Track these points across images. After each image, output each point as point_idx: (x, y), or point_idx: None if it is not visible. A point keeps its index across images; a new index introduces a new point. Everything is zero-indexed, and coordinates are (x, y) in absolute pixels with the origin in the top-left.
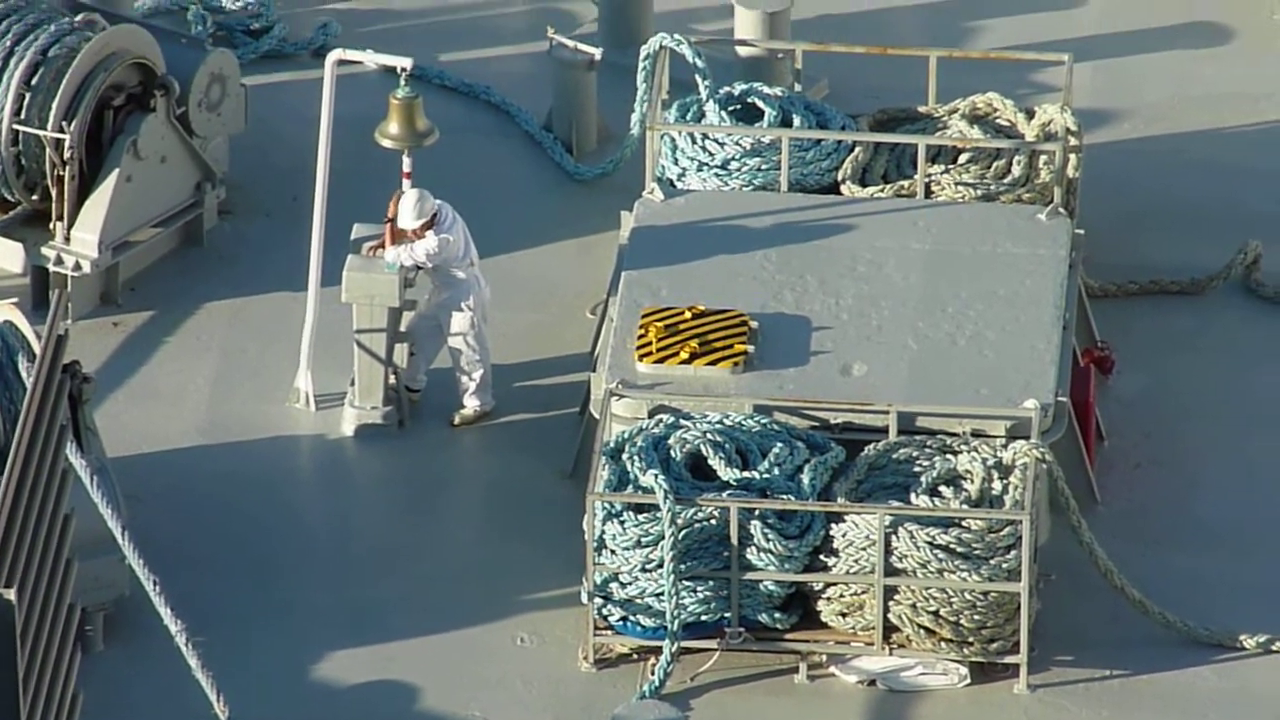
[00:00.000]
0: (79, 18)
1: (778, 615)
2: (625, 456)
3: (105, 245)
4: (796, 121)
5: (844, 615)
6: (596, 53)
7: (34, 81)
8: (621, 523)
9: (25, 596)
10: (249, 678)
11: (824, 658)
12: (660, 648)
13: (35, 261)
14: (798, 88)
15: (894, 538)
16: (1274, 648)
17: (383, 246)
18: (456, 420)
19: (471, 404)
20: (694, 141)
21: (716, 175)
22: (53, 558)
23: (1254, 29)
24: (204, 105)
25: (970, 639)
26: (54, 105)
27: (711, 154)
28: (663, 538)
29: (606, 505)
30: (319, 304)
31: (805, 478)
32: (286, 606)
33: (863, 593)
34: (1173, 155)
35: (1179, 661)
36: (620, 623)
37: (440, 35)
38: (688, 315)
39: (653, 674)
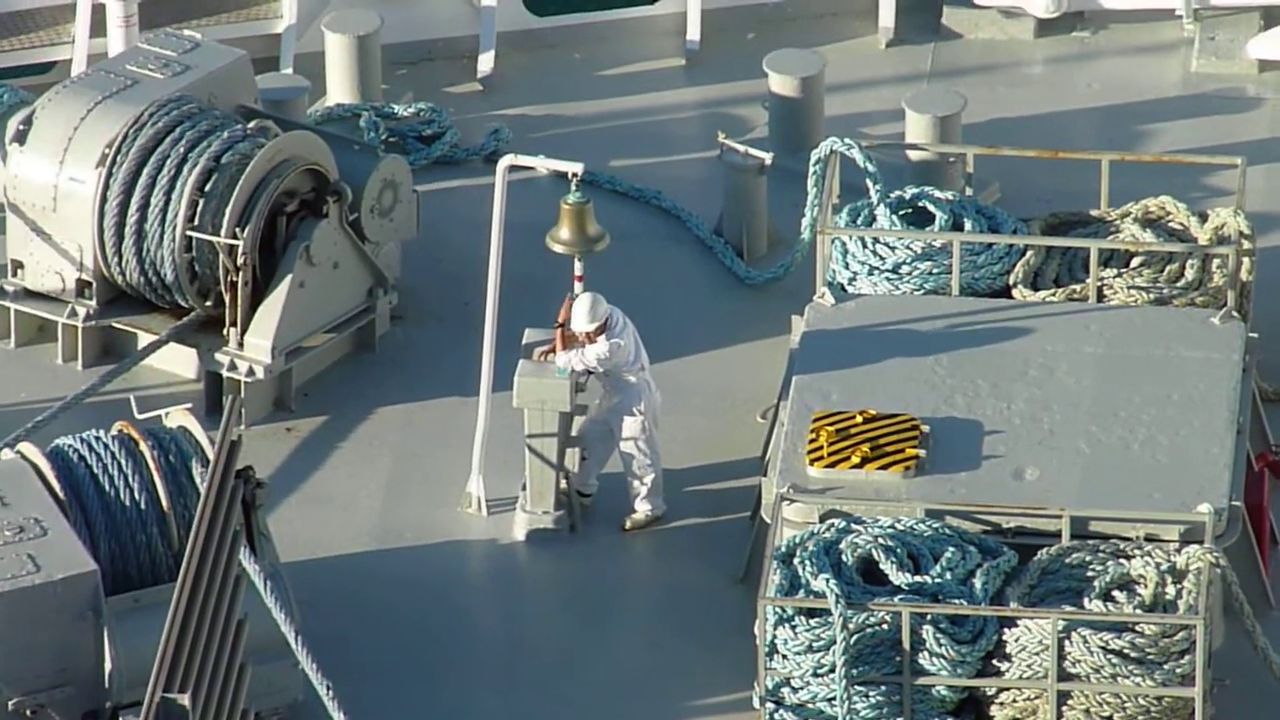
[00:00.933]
0: (252, 124)
1: None
2: (797, 561)
3: (278, 351)
4: (968, 225)
5: None
6: (767, 157)
7: (207, 188)
8: (793, 627)
9: (199, 701)
10: None
11: None
12: None
13: (209, 367)
14: (969, 192)
15: (1067, 643)
16: None
17: (554, 351)
18: (628, 525)
19: (643, 508)
20: (865, 246)
21: (887, 279)
22: (226, 662)
23: None
24: (376, 211)
25: None
26: (227, 211)
27: (882, 258)
28: (834, 642)
29: (778, 610)
30: (490, 409)
31: (978, 582)
32: (457, 712)
33: (1036, 698)
34: None
35: None
36: None
37: (611, 141)
38: (859, 420)
39: None
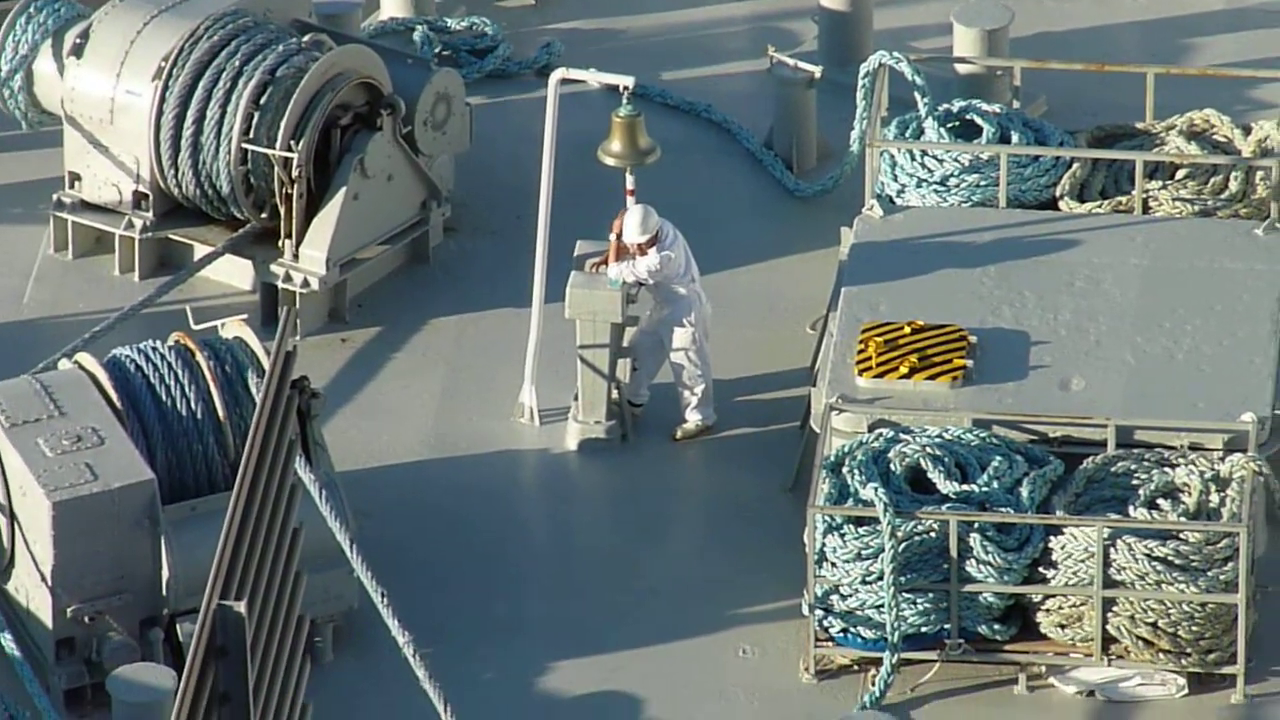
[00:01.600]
0: (306, 38)
1: (997, 627)
2: (845, 470)
3: (333, 263)
4: (1015, 138)
5: (1063, 627)
6: (817, 71)
7: (262, 101)
8: (842, 536)
9: (255, 609)
10: (475, 689)
11: (1043, 669)
12: (880, 659)
13: (264, 279)
14: (1016, 105)
15: (1112, 550)
16: None
17: (605, 263)
18: (679, 435)
19: (693, 418)
20: (913, 158)
21: (935, 191)
22: (282, 571)
23: None
24: (429, 124)
25: (1188, 650)
26: (282, 124)
27: (930, 170)
28: (883, 550)
29: (827, 518)
30: (543, 320)
31: (1024, 491)
32: (511, 620)
33: (1081, 604)
34: None
35: None
36: (841, 635)
37: (662, 54)
38: (907, 330)
39: (873, 685)
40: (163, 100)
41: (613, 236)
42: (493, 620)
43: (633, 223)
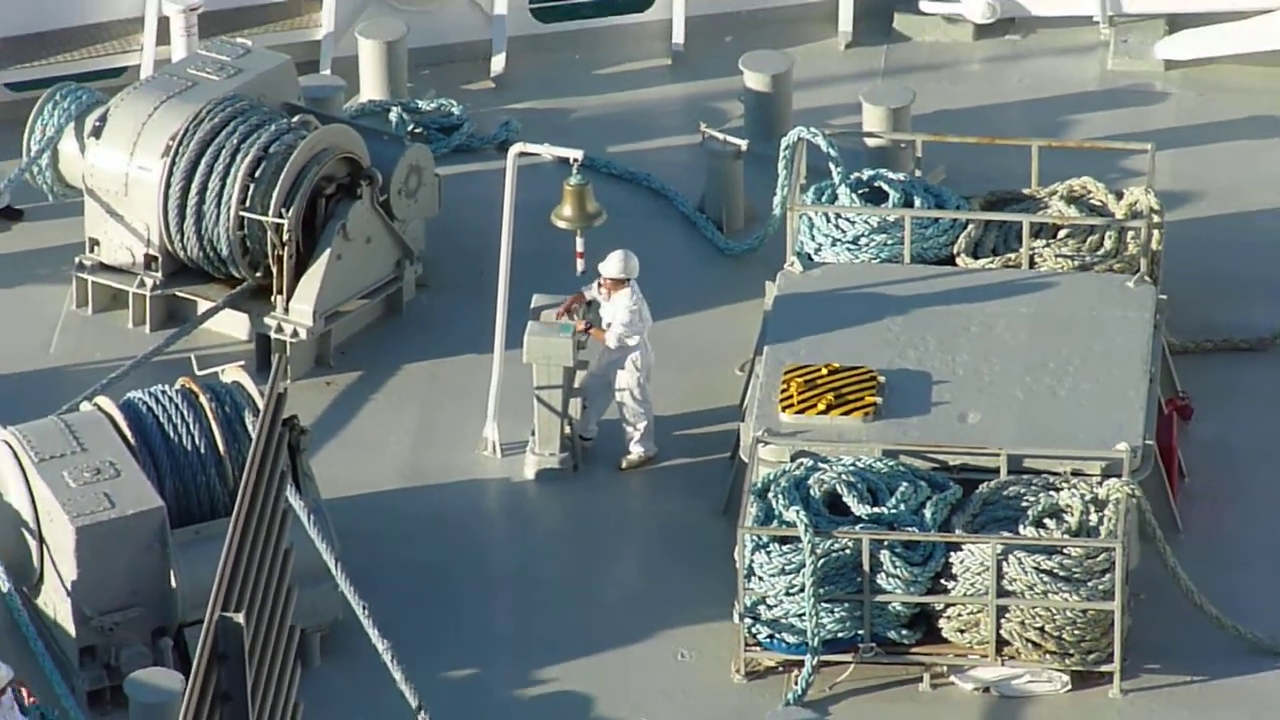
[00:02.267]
0: (295, 118)
1: (904, 632)
2: (771, 495)
3: (319, 315)
4: (917, 202)
5: (962, 631)
6: (743, 144)
7: (257, 174)
8: (768, 553)
9: (252, 619)
10: (445, 690)
11: (945, 669)
12: (802, 661)
13: (259, 330)
14: (918, 173)
15: (1005, 564)
16: None
17: (566, 313)
18: (624, 465)
19: (637, 450)
20: (828, 220)
21: (848, 250)
22: (275, 586)
23: None
24: (403, 193)
25: (1071, 651)
26: (274, 194)
27: (844, 231)
28: (804, 566)
29: (755, 538)
30: (503, 365)
31: (928, 512)
32: (478, 628)
33: (978, 612)
34: (1241, 231)
35: (1250, 668)
36: (767, 640)
37: (607, 130)
38: (824, 372)
39: (796, 684)
40: (170, 174)
41: (572, 300)
42: (460, 630)
43: (615, 260)
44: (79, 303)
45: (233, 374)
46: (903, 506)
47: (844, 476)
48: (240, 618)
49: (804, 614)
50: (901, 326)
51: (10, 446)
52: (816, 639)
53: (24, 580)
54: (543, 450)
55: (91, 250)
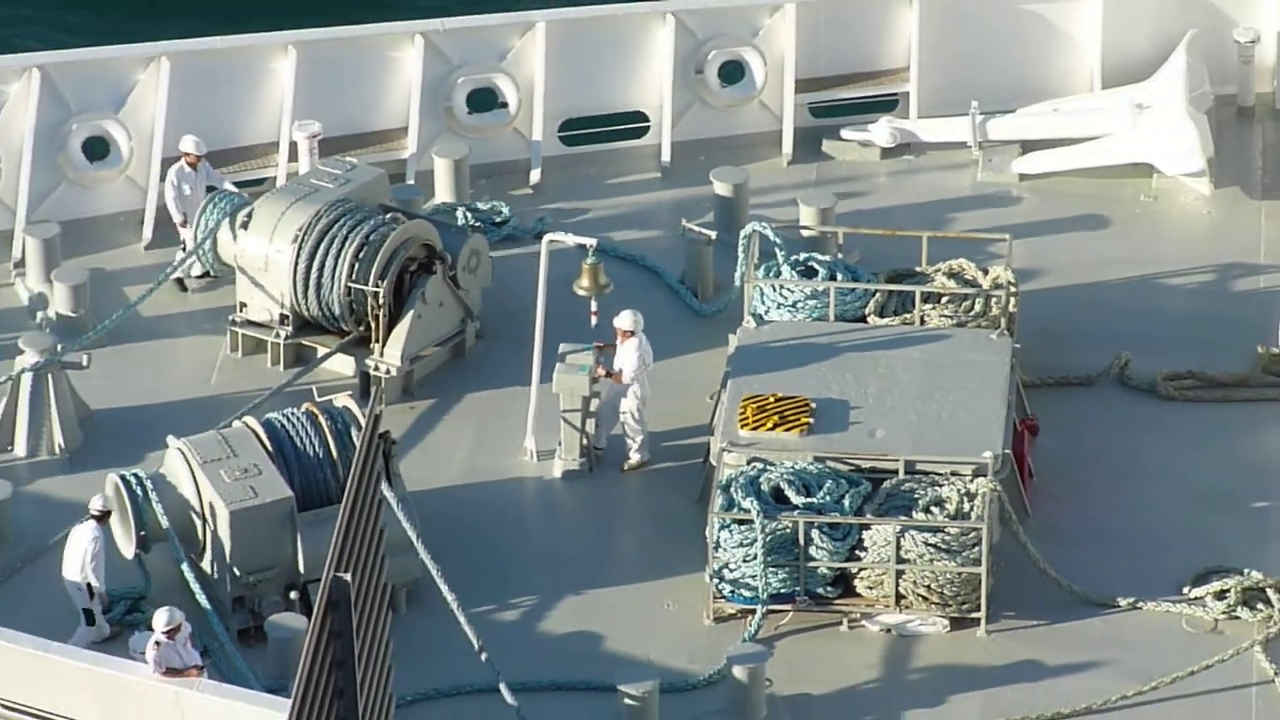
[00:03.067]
0: (388, 215)
1: (829, 589)
2: (732, 489)
3: (405, 358)
4: (839, 277)
5: (871, 588)
6: (713, 234)
7: (360, 255)
8: (730, 531)
9: (356, 578)
10: (497, 630)
11: (858, 615)
12: (754, 610)
13: (361, 368)
14: (840, 255)
15: (902, 540)
16: (1139, 606)
17: (603, 371)
18: (625, 468)
19: (635, 457)
20: (774, 290)
21: (789, 311)
22: (373, 554)
23: (1127, 215)
24: (466, 269)
25: (949, 603)
26: (373, 270)
27: (786, 297)
28: (756, 540)
29: (721, 520)
30: (539, 394)
31: (846, 502)
32: (518, 586)
33: (883, 574)
34: (1075, 297)
35: (1079, 615)
36: (730, 594)
37: (613, 223)
38: (772, 399)
39: (750, 626)
40: (298, 256)
41: (599, 345)
42: (508, 586)
43: (627, 316)
44: (231, 349)
45: (343, 401)
46: (828, 498)
47: (785, 476)
48: (348, 577)
49: (756, 575)
50: (828, 367)
51: (182, 453)
52: (765, 594)
53: (191, 549)
54: (567, 456)
55: (241, 310)
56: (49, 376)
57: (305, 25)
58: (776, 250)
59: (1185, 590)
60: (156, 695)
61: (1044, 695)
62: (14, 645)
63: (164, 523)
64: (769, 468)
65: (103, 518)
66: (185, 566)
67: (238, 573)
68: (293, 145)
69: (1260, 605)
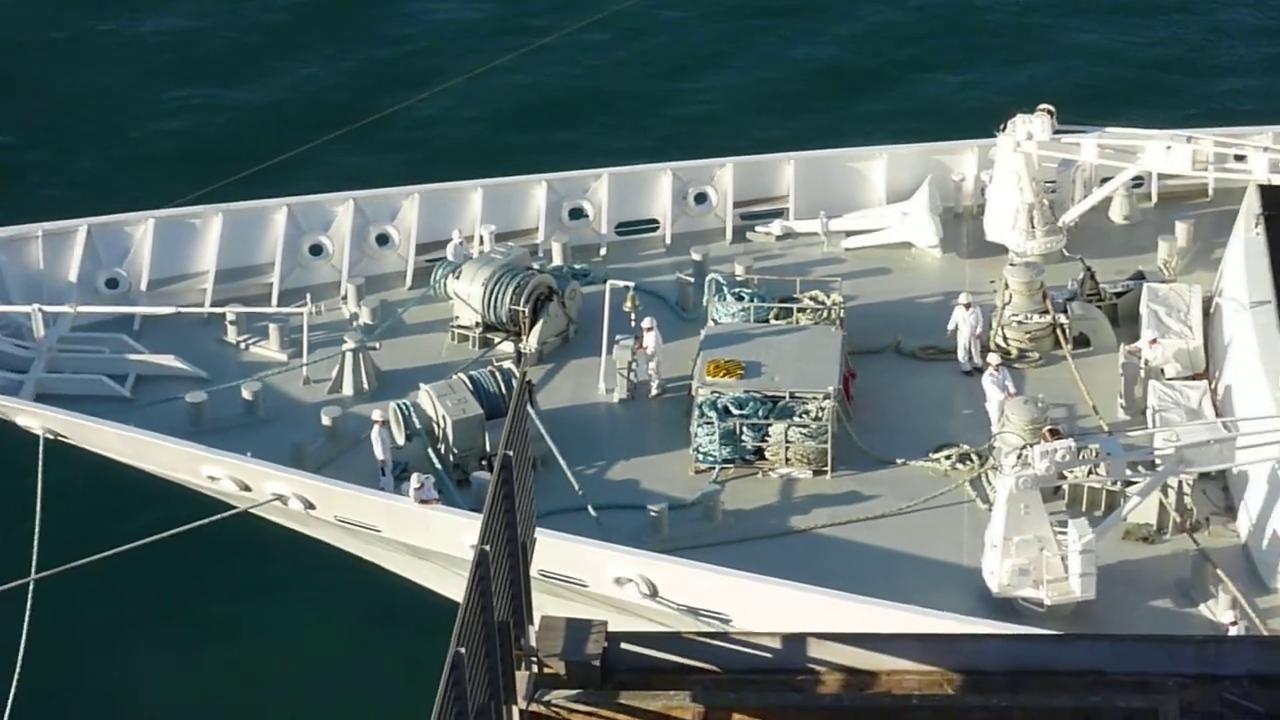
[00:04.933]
0: (529, 269)
1: (752, 456)
2: (703, 407)
3: (537, 344)
4: (754, 300)
5: (773, 455)
6: (691, 279)
7: (515, 291)
8: (701, 428)
9: (514, 455)
10: (581, 478)
11: (768, 469)
12: (714, 467)
13: (516, 349)
14: (755, 288)
15: (788, 432)
16: (906, 463)
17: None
18: (651, 396)
19: (655, 391)
20: (722, 306)
21: (730, 317)
22: (523, 441)
23: (900, 266)
24: (570, 299)
25: (812, 462)
26: (523, 299)
27: (728, 310)
28: (714, 431)
29: (697, 422)
30: (607, 362)
31: (761, 412)
32: (594, 457)
33: (779, 448)
34: (874, 310)
35: (875, 468)
36: (702, 459)
37: (642, 275)
38: (722, 362)
39: (713, 475)
40: (485, 292)
41: (638, 336)
42: (590, 456)
43: (649, 320)
44: (451, 339)
45: (507, 364)
46: (750, 411)
47: (729, 400)
48: (511, 453)
49: (715, 450)
50: (750, 345)
51: (428, 392)
52: (720, 458)
53: (432, 441)
54: (620, 392)
55: (455, 319)
56: (360, 354)
57: (490, 172)
58: (723, 287)
59: (929, 454)
60: (415, 514)
61: (860, 507)
62: (349, 489)
63: (417, 426)
64: (720, 395)
65: (384, 424)
66: (429, 449)
67: (455, 452)
68: (483, 237)
69: (967, 462)
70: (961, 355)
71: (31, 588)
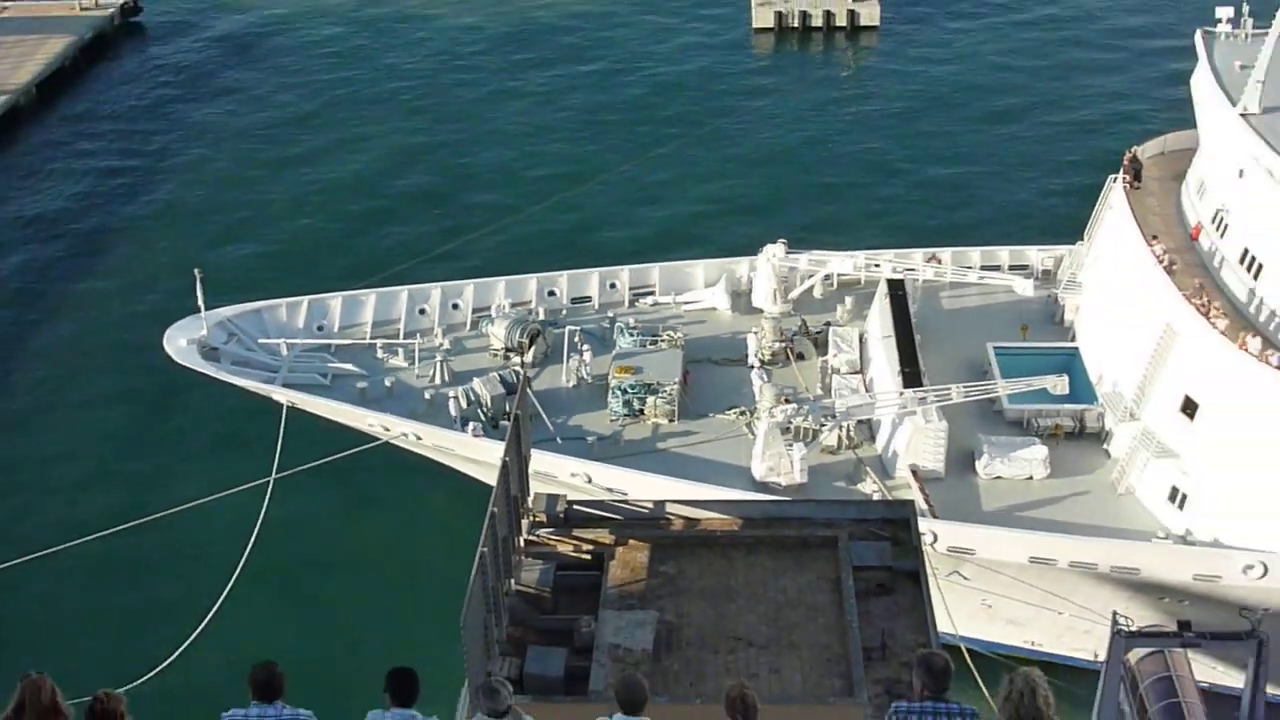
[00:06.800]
0: (528, 320)
1: (635, 415)
2: (615, 388)
3: (533, 359)
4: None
5: (651, 412)
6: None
7: (521, 331)
8: (612, 397)
9: (520, 414)
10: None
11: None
12: (620, 421)
13: (520, 364)
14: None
15: (656, 399)
16: (712, 415)
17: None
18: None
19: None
20: (625, 337)
21: (628, 344)
22: (524, 407)
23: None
24: (547, 336)
25: (665, 415)
26: (523, 335)
27: (629, 339)
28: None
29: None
30: (568, 367)
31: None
32: (560, 414)
33: (655, 405)
34: (703, 340)
35: (698, 418)
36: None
37: (583, 323)
38: (624, 367)
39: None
40: (505, 332)
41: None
42: (559, 417)
43: (590, 347)
44: (490, 356)
45: (517, 367)
46: (636, 390)
47: (627, 384)
48: (520, 412)
49: (620, 410)
50: (638, 359)
51: (480, 382)
52: (622, 414)
53: (480, 406)
54: (573, 381)
55: (491, 346)
56: (444, 362)
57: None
58: (624, 329)
59: (726, 410)
60: (472, 443)
61: (691, 437)
62: (441, 429)
63: (473, 399)
64: (622, 383)
65: (455, 399)
66: (479, 410)
67: (491, 411)
68: (504, 305)
69: (745, 415)
70: (753, 359)
71: (271, 486)
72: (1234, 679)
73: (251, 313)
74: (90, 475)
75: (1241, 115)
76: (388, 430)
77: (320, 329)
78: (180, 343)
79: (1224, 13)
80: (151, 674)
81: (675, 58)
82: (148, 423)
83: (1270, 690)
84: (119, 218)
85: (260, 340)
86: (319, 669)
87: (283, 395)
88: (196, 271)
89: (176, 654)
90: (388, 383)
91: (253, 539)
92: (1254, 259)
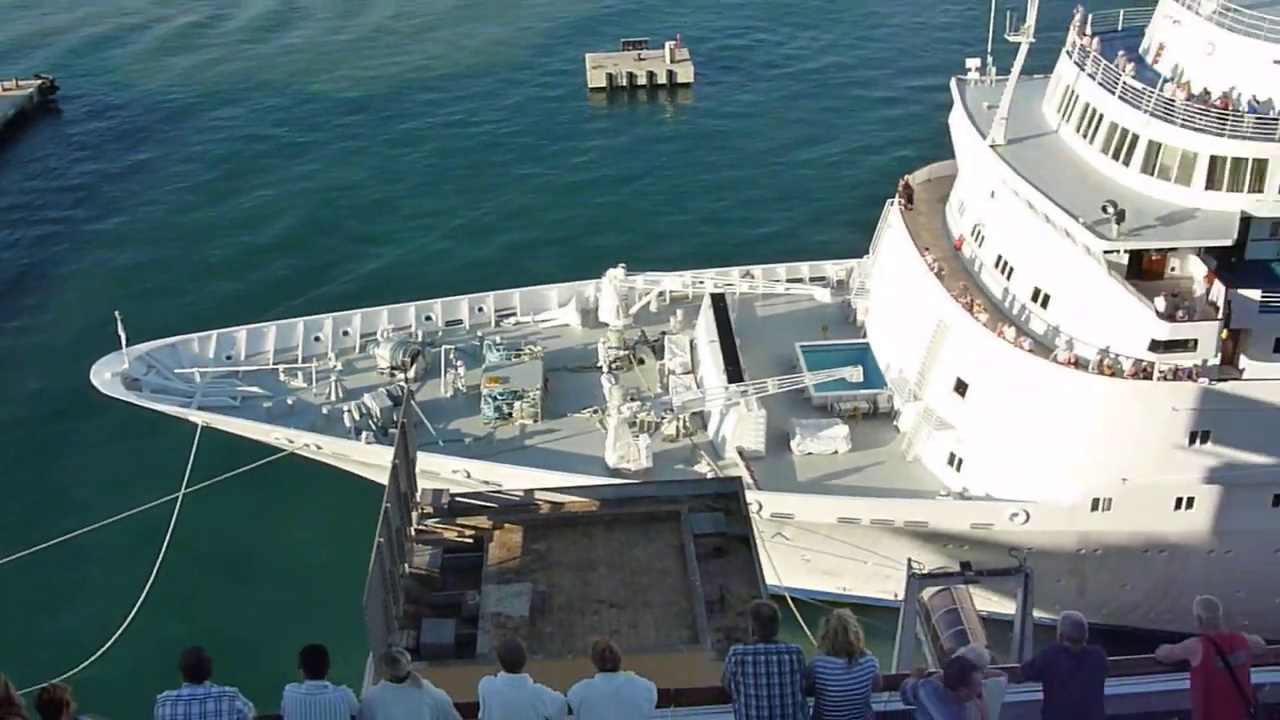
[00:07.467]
0: (409, 342)
1: None
2: (488, 394)
3: (412, 377)
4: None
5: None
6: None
7: (403, 352)
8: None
9: (407, 419)
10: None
11: (597, 413)
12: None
13: (404, 380)
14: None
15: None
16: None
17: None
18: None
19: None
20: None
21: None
22: (409, 413)
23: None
24: (425, 356)
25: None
26: (405, 355)
27: (521, 358)
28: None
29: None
30: (446, 380)
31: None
32: (446, 424)
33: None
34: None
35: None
36: (494, 416)
37: (457, 342)
38: (493, 377)
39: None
40: (389, 352)
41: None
42: (440, 424)
43: (463, 360)
44: (378, 374)
45: (402, 383)
46: (504, 396)
47: (497, 391)
48: (406, 420)
49: (491, 413)
50: (505, 370)
51: (369, 397)
52: (494, 417)
53: (370, 417)
54: (450, 392)
55: (378, 365)
56: (337, 381)
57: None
58: (493, 345)
59: (582, 409)
60: (365, 449)
61: (548, 435)
62: (337, 439)
63: (364, 412)
64: (492, 391)
65: (349, 411)
66: (369, 421)
67: (380, 421)
68: (387, 330)
69: (598, 412)
70: (602, 365)
71: (180, 501)
72: (1007, 607)
73: (167, 347)
74: None
75: (991, 146)
76: (291, 442)
77: (229, 358)
78: (105, 375)
79: (972, 63)
80: (85, 664)
81: (518, 110)
82: (57, 449)
83: (1036, 614)
84: (35, 273)
85: (176, 370)
86: (241, 652)
87: (199, 417)
88: (117, 314)
89: (103, 649)
90: (290, 401)
91: (165, 544)
92: (1006, 263)
